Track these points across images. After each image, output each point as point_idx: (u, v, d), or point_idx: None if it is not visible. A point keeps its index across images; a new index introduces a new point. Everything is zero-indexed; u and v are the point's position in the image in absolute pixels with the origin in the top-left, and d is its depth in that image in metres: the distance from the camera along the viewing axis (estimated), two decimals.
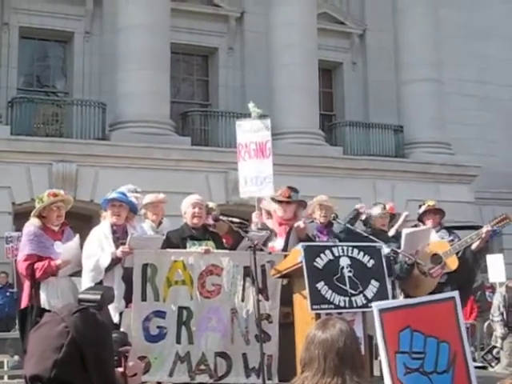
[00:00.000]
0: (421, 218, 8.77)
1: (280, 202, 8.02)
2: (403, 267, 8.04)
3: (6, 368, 12.62)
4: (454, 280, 8.12)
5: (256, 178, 8.42)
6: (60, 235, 7.43)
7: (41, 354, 2.11)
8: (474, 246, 8.30)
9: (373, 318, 7.41)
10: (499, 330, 12.28)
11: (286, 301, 6.97)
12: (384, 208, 8.79)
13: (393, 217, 8.98)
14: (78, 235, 7.37)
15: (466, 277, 8.48)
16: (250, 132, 8.59)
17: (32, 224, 7.35)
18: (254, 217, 8.43)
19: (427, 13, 21.84)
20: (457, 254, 8.18)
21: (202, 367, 7.04)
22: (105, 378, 2.16)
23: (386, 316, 3.81)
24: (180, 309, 7.06)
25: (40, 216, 7.36)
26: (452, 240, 8.48)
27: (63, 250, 7.17)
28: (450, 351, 4.00)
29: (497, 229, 8.46)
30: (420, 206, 8.91)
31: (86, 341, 2.12)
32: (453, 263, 8.17)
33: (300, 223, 8.05)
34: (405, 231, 8.05)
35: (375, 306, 3.88)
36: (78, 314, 2.17)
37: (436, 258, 8.12)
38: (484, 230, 8.25)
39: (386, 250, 7.02)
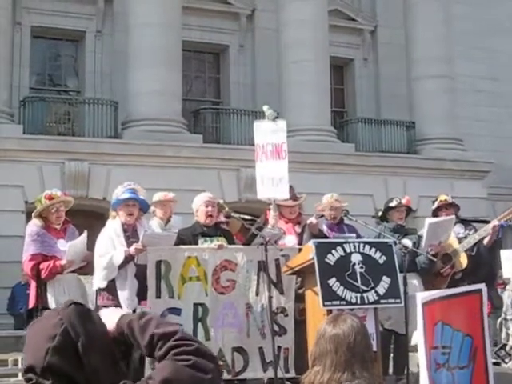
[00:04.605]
0: (435, 214, 8.75)
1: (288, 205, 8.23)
2: (425, 259, 7.95)
3: (20, 366, 12.66)
4: (473, 276, 8.07)
5: (272, 179, 8.43)
6: (63, 233, 7.49)
7: (35, 345, 2.17)
8: (485, 242, 8.29)
9: (390, 313, 7.35)
10: None
11: (302, 296, 6.98)
12: (400, 202, 8.75)
13: (409, 211, 8.94)
14: (85, 232, 7.39)
15: (487, 272, 8.47)
16: (267, 133, 8.59)
17: (34, 224, 7.42)
18: (272, 219, 8.34)
19: (438, 9, 21.73)
20: (467, 251, 8.17)
21: (220, 363, 7.05)
22: (91, 369, 2.19)
23: (426, 309, 3.75)
24: (195, 305, 7.07)
25: (41, 216, 7.42)
26: (467, 234, 8.47)
27: (68, 248, 7.20)
28: (472, 346, 3.94)
29: (504, 223, 8.48)
30: (433, 202, 8.89)
31: (76, 330, 2.17)
32: (463, 261, 8.16)
33: (312, 219, 8.13)
34: (428, 221, 8.03)
35: (419, 298, 3.80)
36: (73, 306, 2.25)
37: (446, 257, 8.10)
38: (491, 225, 8.27)
39: (409, 243, 7.01)
